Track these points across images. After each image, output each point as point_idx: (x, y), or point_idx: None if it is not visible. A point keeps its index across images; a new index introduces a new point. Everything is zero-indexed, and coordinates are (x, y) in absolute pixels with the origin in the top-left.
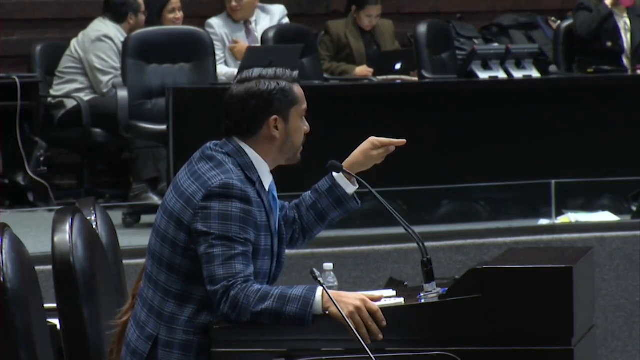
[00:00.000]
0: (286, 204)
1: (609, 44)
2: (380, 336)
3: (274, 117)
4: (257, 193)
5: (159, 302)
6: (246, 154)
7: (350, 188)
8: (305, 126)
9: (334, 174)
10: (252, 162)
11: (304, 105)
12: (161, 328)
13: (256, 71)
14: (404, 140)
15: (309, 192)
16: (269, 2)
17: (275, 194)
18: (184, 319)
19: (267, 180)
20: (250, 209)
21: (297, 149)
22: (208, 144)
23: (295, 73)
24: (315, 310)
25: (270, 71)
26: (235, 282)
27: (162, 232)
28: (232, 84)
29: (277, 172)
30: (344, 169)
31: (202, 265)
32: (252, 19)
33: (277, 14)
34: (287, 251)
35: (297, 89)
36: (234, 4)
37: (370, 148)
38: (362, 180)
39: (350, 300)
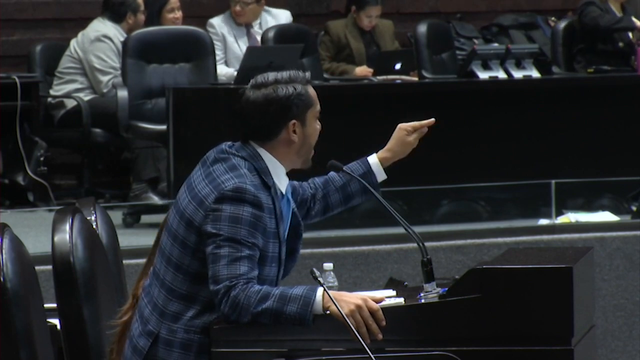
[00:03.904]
0: (301, 183)
1: (621, 44)
2: (380, 336)
3: (293, 121)
4: (271, 199)
5: (163, 301)
6: (262, 159)
7: (382, 177)
8: (318, 126)
9: (369, 161)
10: (267, 167)
11: (318, 107)
12: (162, 326)
13: (271, 75)
14: (433, 120)
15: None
16: (271, 3)
17: (290, 197)
18: (187, 319)
19: (284, 183)
20: (261, 214)
21: (312, 150)
22: (223, 146)
23: (308, 74)
24: (316, 310)
25: (285, 75)
26: (238, 282)
27: (174, 231)
28: (246, 89)
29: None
30: (346, 168)
31: (207, 265)
32: (255, 23)
33: (283, 19)
34: None
35: (311, 91)
36: (238, 8)
37: (405, 135)
38: (362, 180)
39: (351, 299)
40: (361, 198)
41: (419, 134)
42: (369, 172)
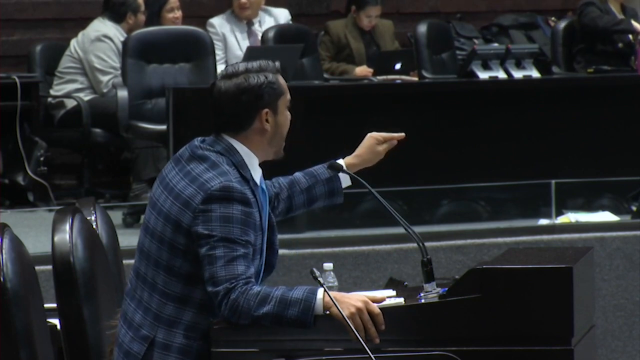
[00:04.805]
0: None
1: (621, 45)
2: (377, 340)
3: (265, 110)
4: (251, 192)
5: (157, 305)
6: (237, 152)
7: (346, 182)
8: (289, 115)
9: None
10: (243, 160)
11: (289, 96)
12: (159, 330)
13: (242, 66)
14: (403, 134)
15: (302, 173)
16: (271, 3)
17: (265, 187)
18: (185, 323)
19: (257, 174)
20: (250, 211)
21: (284, 140)
22: (195, 142)
23: (278, 64)
24: (317, 312)
25: (255, 64)
26: (237, 284)
27: (159, 234)
28: (217, 79)
29: (277, 173)
30: (345, 169)
31: (203, 266)
32: (256, 20)
33: (282, 17)
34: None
35: (281, 80)
36: (243, 0)
37: (375, 144)
38: (362, 180)
39: (352, 301)
40: (324, 202)
41: (389, 145)
42: (334, 177)
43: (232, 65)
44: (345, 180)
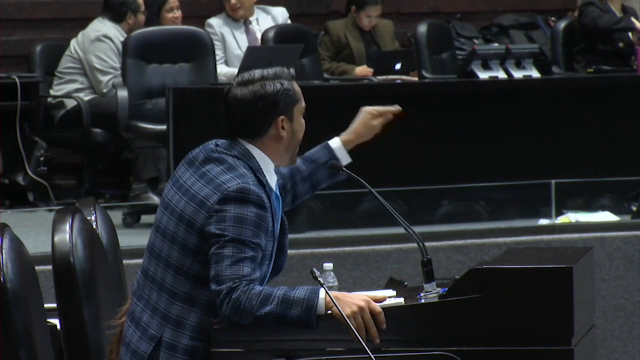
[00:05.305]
0: None
1: (621, 44)
2: (377, 340)
3: (281, 117)
4: (267, 197)
5: (165, 304)
6: (254, 156)
7: (346, 160)
8: (304, 122)
9: (332, 145)
10: (259, 165)
11: (304, 103)
12: (165, 330)
13: (257, 72)
14: (399, 107)
15: (300, 160)
16: (270, 2)
17: (279, 194)
18: (192, 324)
19: (273, 180)
20: (265, 214)
21: (298, 146)
22: (211, 145)
23: (292, 70)
24: (319, 312)
25: (271, 71)
26: (240, 284)
27: (171, 233)
28: (232, 86)
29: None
30: (340, 166)
31: (210, 264)
32: (253, 19)
33: (279, 16)
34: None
35: (297, 87)
36: (233, 1)
37: (370, 118)
38: (362, 181)
39: (353, 300)
40: (327, 183)
41: (384, 119)
42: (333, 158)
43: (247, 72)
44: (344, 158)
